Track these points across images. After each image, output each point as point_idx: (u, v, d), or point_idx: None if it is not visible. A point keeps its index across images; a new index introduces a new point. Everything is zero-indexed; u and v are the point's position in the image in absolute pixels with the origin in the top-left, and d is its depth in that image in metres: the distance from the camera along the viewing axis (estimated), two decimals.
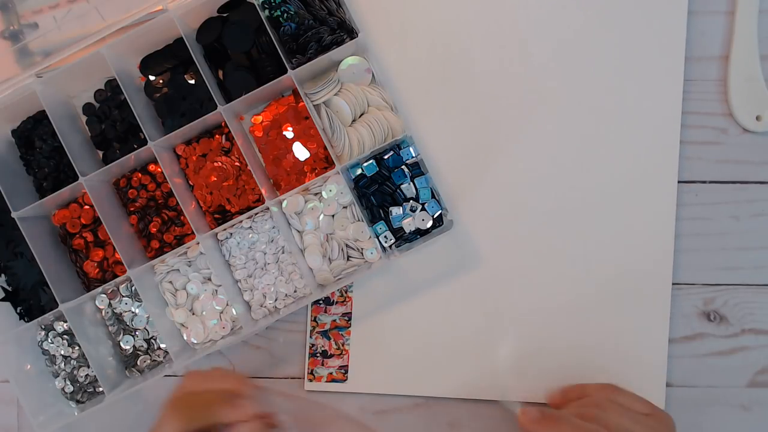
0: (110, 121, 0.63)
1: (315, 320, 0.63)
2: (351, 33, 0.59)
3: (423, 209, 0.60)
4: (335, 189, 0.60)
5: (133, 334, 0.63)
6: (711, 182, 0.61)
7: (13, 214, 0.58)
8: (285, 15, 0.58)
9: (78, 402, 0.62)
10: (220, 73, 0.62)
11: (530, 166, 0.62)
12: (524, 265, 0.62)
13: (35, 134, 0.62)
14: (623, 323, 0.61)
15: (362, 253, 0.61)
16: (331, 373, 0.63)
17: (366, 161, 0.60)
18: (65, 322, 0.61)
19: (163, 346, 0.63)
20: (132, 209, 0.63)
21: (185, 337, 0.62)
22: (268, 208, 0.59)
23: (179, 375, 0.64)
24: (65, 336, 0.62)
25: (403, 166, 0.60)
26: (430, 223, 0.60)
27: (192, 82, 0.62)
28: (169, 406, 0.46)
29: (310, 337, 0.63)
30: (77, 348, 0.62)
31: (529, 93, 0.62)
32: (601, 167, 0.62)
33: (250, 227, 0.62)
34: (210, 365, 0.64)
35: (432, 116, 0.63)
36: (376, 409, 0.63)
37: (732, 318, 0.61)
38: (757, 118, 0.61)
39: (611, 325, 0.61)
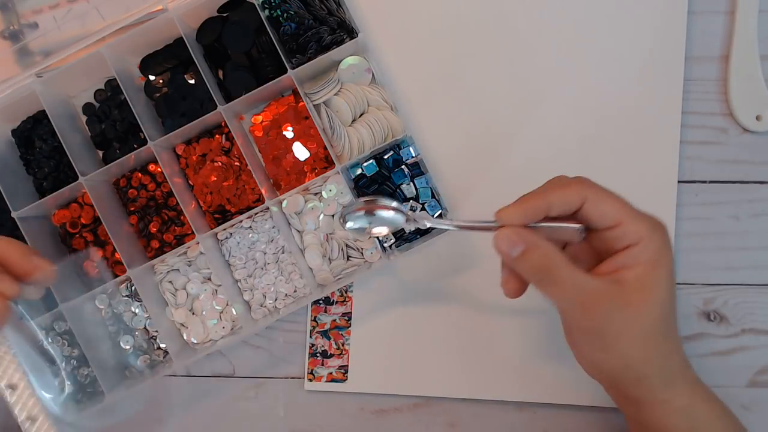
0: (110, 121, 0.63)
1: (315, 320, 0.63)
2: (351, 33, 0.59)
3: (423, 209, 0.60)
4: (335, 189, 0.60)
5: (133, 334, 0.63)
6: (711, 182, 0.61)
7: (13, 214, 0.58)
8: (285, 15, 0.58)
9: (78, 402, 0.62)
10: (220, 73, 0.62)
11: (530, 166, 0.62)
12: None
13: (35, 134, 0.62)
14: None
15: (362, 253, 0.61)
16: (331, 373, 0.63)
17: (366, 161, 0.60)
18: (65, 322, 0.61)
19: (163, 346, 0.63)
20: (132, 209, 0.63)
21: (185, 337, 0.62)
22: (268, 208, 0.59)
23: (179, 375, 0.64)
24: (65, 336, 0.62)
25: (403, 166, 0.60)
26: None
27: (192, 82, 0.62)
28: None
29: (310, 337, 0.63)
30: (77, 348, 0.62)
31: (529, 92, 0.62)
32: (601, 167, 0.62)
33: (250, 227, 0.62)
34: (210, 365, 0.64)
35: (432, 116, 0.63)
36: (376, 409, 0.63)
37: (732, 318, 0.61)
38: (757, 118, 0.61)
39: None
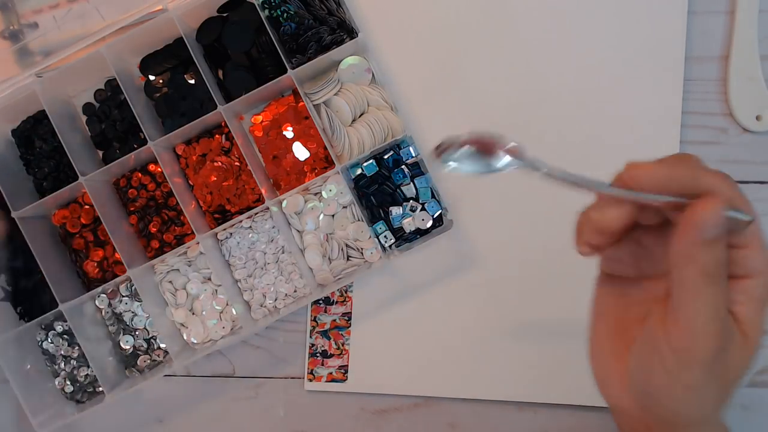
0: (110, 120, 0.63)
1: (315, 320, 0.63)
2: (351, 33, 0.59)
3: (423, 209, 0.60)
4: (335, 189, 0.60)
5: (133, 334, 0.63)
6: None
7: (13, 214, 0.58)
8: (285, 15, 0.58)
9: (78, 402, 0.62)
10: (220, 73, 0.62)
11: None
12: (524, 264, 0.62)
13: (35, 134, 0.62)
14: None
15: (362, 253, 0.61)
16: (331, 373, 0.63)
17: (366, 161, 0.60)
18: (65, 322, 0.61)
19: (163, 346, 0.63)
20: (132, 209, 0.63)
21: (185, 337, 0.62)
22: (268, 208, 0.59)
23: (179, 375, 0.64)
24: (65, 336, 0.62)
25: (403, 166, 0.60)
26: (430, 223, 0.60)
27: (192, 82, 0.62)
28: None
29: (310, 337, 0.63)
30: (77, 348, 0.62)
31: (529, 92, 0.62)
32: (602, 167, 0.61)
33: (250, 227, 0.62)
34: (210, 365, 0.64)
35: (432, 116, 0.63)
36: (376, 409, 0.63)
37: None
38: (757, 118, 0.61)
39: None
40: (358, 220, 0.61)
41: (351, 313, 0.63)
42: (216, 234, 0.61)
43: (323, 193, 0.61)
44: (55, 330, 0.62)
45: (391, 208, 0.60)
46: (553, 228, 0.62)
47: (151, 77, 0.63)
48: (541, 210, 0.62)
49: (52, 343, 0.62)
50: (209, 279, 0.62)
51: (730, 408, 0.62)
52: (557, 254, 0.62)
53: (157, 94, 0.63)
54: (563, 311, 0.61)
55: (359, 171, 0.60)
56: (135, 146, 0.61)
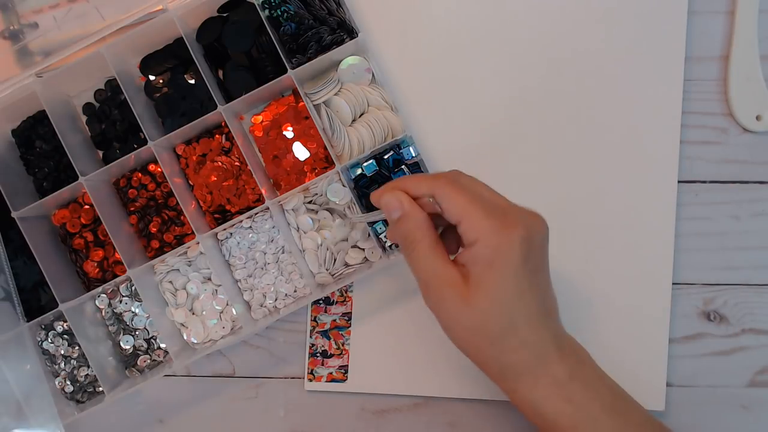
0: (110, 121, 0.63)
1: (315, 320, 0.63)
2: (351, 33, 0.59)
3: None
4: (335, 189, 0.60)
5: (133, 334, 0.63)
6: (711, 182, 0.62)
7: (13, 214, 0.58)
8: (285, 15, 0.58)
9: (78, 402, 0.62)
10: (220, 73, 0.62)
11: (530, 166, 0.62)
12: None
13: (35, 134, 0.62)
14: (623, 323, 0.61)
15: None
16: (331, 373, 0.63)
17: (366, 161, 0.60)
18: (65, 322, 0.61)
19: (163, 346, 0.63)
20: (132, 209, 0.63)
21: (185, 337, 0.62)
22: (268, 208, 0.59)
23: (179, 375, 0.65)
24: (65, 336, 0.62)
25: (403, 166, 0.60)
26: None
27: (192, 82, 0.62)
28: None
29: (310, 337, 0.63)
30: (77, 348, 0.62)
31: (529, 92, 0.62)
32: (601, 167, 0.62)
33: (250, 227, 0.62)
34: (210, 365, 0.64)
35: (432, 116, 0.63)
36: (376, 409, 0.63)
37: (732, 318, 0.61)
38: (757, 118, 0.61)
39: (611, 325, 0.61)
40: None
41: (351, 313, 0.63)
42: (216, 234, 0.61)
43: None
44: (55, 330, 0.62)
45: None
46: (552, 227, 0.62)
47: (151, 77, 0.63)
48: (541, 210, 0.62)
49: (52, 343, 0.62)
50: (209, 279, 0.62)
51: (730, 408, 0.63)
52: (557, 254, 0.62)
53: (157, 94, 0.63)
54: (563, 311, 0.61)
55: (359, 171, 0.60)
56: (135, 146, 0.61)
